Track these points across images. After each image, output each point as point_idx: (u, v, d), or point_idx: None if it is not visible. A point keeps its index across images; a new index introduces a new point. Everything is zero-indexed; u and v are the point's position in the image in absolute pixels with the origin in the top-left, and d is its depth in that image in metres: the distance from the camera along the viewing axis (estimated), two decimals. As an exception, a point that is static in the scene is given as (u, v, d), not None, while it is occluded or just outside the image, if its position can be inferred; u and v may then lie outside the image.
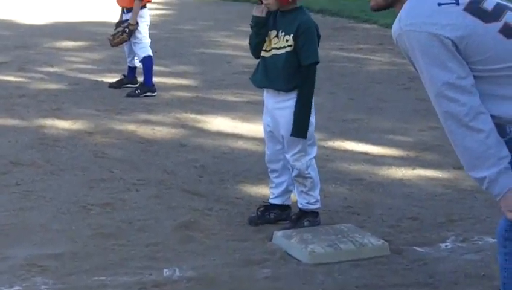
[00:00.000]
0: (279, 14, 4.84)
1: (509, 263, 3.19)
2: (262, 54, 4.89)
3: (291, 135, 4.77)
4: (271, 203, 5.10)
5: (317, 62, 4.81)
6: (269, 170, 5.09)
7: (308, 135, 4.81)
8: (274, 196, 5.08)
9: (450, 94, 2.98)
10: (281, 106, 4.84)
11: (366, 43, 12.64)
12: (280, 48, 4.79)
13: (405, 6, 3.10)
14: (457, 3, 3.04)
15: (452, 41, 2.97)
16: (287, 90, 4.80)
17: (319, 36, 4.85)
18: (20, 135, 7.12)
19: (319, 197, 4.98)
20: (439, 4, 3.03)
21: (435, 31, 2.97)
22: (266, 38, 4.86)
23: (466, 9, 3.02)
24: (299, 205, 4.98)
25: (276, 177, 5.05)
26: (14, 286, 4.15)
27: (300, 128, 4.76)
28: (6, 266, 4.40)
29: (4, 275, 4.28)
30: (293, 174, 4.92)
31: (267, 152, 5.07)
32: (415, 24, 3.01)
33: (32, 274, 4.29)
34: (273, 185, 5.10)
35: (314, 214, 4.99)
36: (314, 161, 4.92)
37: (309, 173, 4.87)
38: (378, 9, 3.26)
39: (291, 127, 4.77)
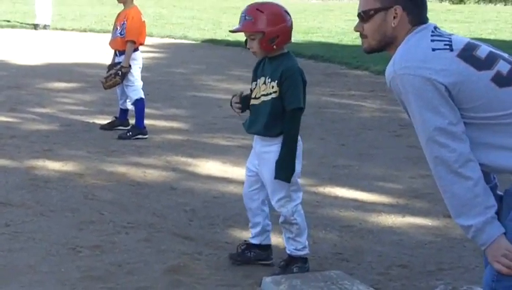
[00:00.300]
0: (267, 60, 4.93)
1: (495, 312, 3.21)
2: (252, 102, 4.97)
3: (275, 177, 4.82)
4: (251, 243, 5.16)
5: (301, 108, 4.84)
6: (246, 208, 5.16)
7: (292, 180, 4.86)
8: (252, 235, 5.15)
9: (441, 139, 3.01)
10: (266, 150, 4.90)
11: (357, 89, 12.72)
12: (267, 94, 4.87)
13: (399, 49, 3.16)
14: (451, 50, 3.09)
15: (445, 86, 3.00)
16: (273, 135, 4.86)
17: (304, 82, 4.90)
18: (10, 176, 7.15)
19: (306, 243, 5.01)
20: (434, 49, 3.09)
21: (429, 76, 3.01)
22: (255, 86, 4.96)
23: (459, 55, 3.07)
24: (288, 251, 5.01)
25: (252, 216, 5.12)
26: (1, 328, 4.18)
27: (283, 171, 4.80)
28: (-6, 307, 4.42)
29: (-8, 316, 4.31)
30: (280, 220, 4.97)
31: (244, 190, 5.15)
32: (409, 68, 3.05)
33: (20, 316, 4.32)
34: (251, 224, 5.17)
35: (303, 260, 5.02)
36: (300, 206, 4.96)
37: (295, 219, 4.89)
38: (371, 51, 3.32)
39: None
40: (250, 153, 5.12)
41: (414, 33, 3.21)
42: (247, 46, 4.89)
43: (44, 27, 21.59)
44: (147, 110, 9.10)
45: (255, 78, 5.00)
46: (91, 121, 9.68)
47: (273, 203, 4.94)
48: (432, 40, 3.14)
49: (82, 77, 13.13)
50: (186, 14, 26.77)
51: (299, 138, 4.91)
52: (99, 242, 5.51)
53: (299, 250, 4.98)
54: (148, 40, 10.42)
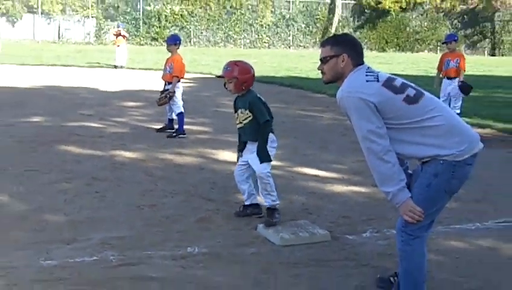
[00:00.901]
0: (239, 97, 4.99)
1: (404, 247, 3.22)
2: (238, 126, 5.00)
3: (261, 162, 4.82)
4: (245, 204, 5.13)
5: (268, 120, 4.85)
6: (236, 181, 5.12)
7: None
8: (245, 199, 5.13)
9: (371, 137, 3.03)
10: (252, 146, 4.94)
11: (319, 106, 12.66)
12: (245, 119, 4.90)
13: (345, 81, 3.20)
14: (378, 81, 3.13)
15: (374, 104, 3.03)
16: (255, 140, 4.89)
17: (264, 102, 4.91)
18: (99, 161, 7.12)
19: (277, 196, 4.95)
20: (367, 81, 3.13)
21: (364, 97, 3.05)
22: (237, 115, 4.96)
23: (383, 85, 3.11)
24: (266, 204, 4.95)
25: (240, 185, 5.08)
26: (93, 257, 4.16)
27: (264, 158, 4.82)
28: (88, 243, 4.41)
29: (87, 249, 4.30)
30: (258, 182, 4.91)
31: (235, 169, 5.11)
32: (351, 92, 3.08)
33: (105, 249, 4.31)
34: (242, 191, 5.12)
35: (277, 210, 4.95)
36: (270, 173, 4.91)
37: (267, 180, 4.86)
38: (328, 82, 3.35)
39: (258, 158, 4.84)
40: (244, 150, 5.09)
41: (354, 71, 3.23)
42: (225, 87, 4.93)
43: (121, 67, 21.53)
44: (185, 120, 9.05)
45: (235, 110, 5.02)
46: (150, 126, 9.63)
47: (257, 171, 4.87)
48: (366, 75, 3.18)
49: (144, 98, 13.07)
50: (211, 58, 26.67)
51: (274, 137, 4.90)
52: (155, 202, 5.49)
53: (274, 201, 4.92)
54: (187, 75, 10.40)
